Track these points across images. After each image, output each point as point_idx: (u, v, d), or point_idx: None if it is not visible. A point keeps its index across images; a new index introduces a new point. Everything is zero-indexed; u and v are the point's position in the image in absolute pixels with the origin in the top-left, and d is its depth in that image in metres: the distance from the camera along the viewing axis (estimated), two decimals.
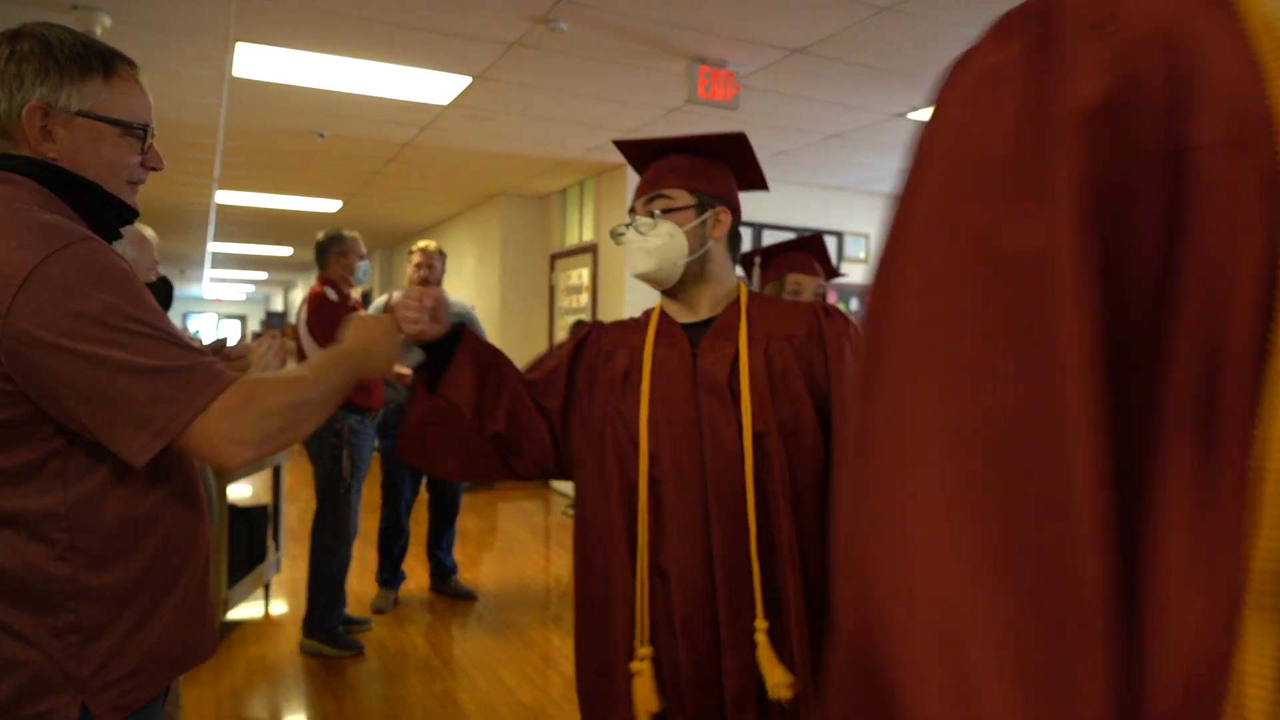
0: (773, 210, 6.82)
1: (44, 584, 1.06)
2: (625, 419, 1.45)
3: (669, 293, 1.52)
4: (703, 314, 1.50)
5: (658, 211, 1.47)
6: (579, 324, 1.70)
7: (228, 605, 3.72)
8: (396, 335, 1.41)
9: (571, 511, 6.77)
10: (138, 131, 1.20)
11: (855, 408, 0.48)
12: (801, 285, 2.73)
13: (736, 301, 1.50)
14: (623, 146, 1.57)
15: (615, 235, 1.51)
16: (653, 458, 1.41)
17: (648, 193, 1.50)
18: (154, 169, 1.25)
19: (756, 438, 1.36)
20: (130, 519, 1.12)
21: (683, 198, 1.48)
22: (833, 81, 4.40)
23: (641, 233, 1.47)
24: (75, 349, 1.00)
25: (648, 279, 1.49)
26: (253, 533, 4.05)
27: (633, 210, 1.53)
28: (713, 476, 1.37)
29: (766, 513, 1.35)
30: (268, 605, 4.37)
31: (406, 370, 4.05)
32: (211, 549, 1.29)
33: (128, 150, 1.19)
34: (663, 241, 1.45)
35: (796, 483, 1.37)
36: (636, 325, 1.56)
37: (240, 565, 3.89)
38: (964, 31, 3.69)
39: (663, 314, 1.54)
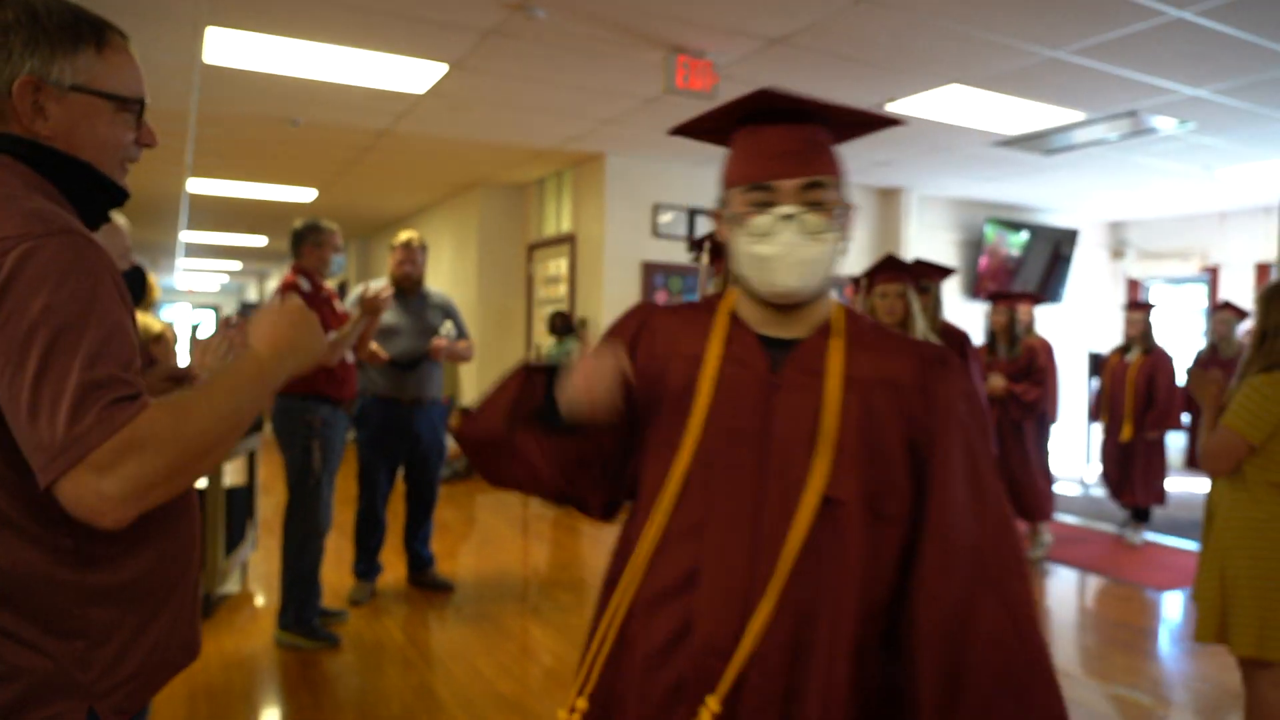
0: None
1: (49, 588, 1.01)
2: (673, 450, 1.13)
3: (770, 300, 1.13)
4: (796, 332, 1.14)
5: (832, 208, 1.11)
6: (624, 318, 1.29)
7: (225, 578, 4.00)
8: (311, 321, 1.18)
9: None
10: (133, 106, 1.12)
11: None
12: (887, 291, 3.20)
13: (828, 324, 1.15)
14: (712, 114, 1.20)
15: (755, 231, 1.09)
16: (685, 503, 1.10)
17: (801, 174, 1.10)
18: (148, 146, 1.18)
19: (827, 504, 1.05)
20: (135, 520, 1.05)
21: (834, 189, 1.13)
22: (811, 72, 4.40)
23: (809, 233, 1.08)
24: (5, 347, 0.92)
25: (789, 297, 1.11)
26: (233, 512, 4.22)
27: (767, 193, 1.09)
28: (767, 545, 1.06)
29: (826, 599, 1.05)
30: (245, 583, 4.51)
31: (384, 353, 4.03)
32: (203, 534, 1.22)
33: (123, 127, 1.12)
34: (829, 249, 1.10)
35: (875, 566, 1.07)
36: (696, 320, 1.20)
37: (225, 544, 4.15)
38: (941, 23, 3.71)
39: (735, 317, 1.18)
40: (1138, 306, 5.73)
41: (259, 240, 12.28)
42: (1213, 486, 2.48)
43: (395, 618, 4.06)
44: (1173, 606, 4.48)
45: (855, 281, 3.43)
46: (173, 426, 0.96)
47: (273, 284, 17.69)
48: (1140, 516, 5.74)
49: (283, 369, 1.12)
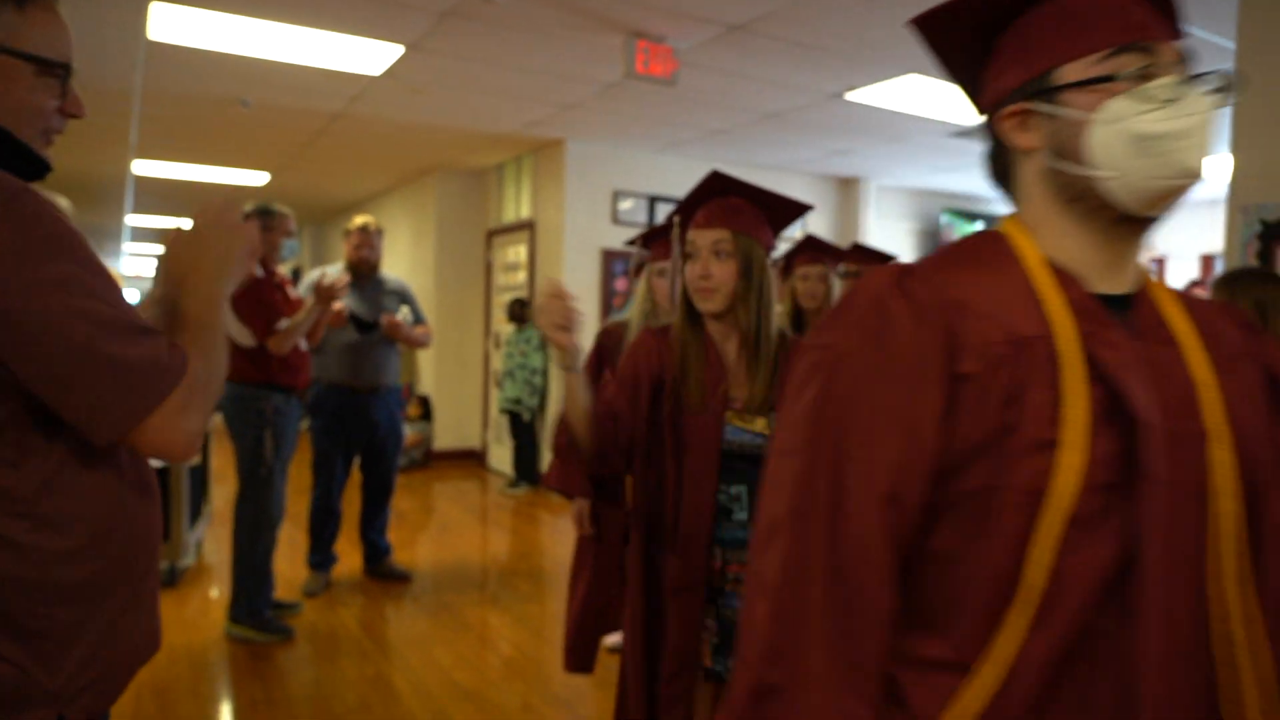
0: None
1: (12, 588, 0.96)
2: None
3: (1156, 204, 0.81)
4: (1126, 284, 0.85)
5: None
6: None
7: (189, 551, 4.34)
8: (228, 237, 1.18)
9: (510, 490, 6.74)
10: (57, 71, 1.04)
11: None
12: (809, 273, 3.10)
13: (1144, 273, 0.89)
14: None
15: (1155, 98, 0.77)
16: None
17: (1176, 37, 0.84)
18: (74, 116, 1.10)
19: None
20: (95, 513, 1.03)
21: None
22: (771, 60, 4.40)
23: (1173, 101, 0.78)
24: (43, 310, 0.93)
25: (1187, 189, 0.81)
26: (191, 489, 4.39)
27: (1145, 56, 0.79)
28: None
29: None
30: (201, 558, 4.74)
31: (341, 305, 3.93)
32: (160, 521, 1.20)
33: (45, 93, 1.04)
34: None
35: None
36: (1000, 281, 0.83)
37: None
38: (900, 13, 3.72)
39: (1060, 271, 0.84)
40: None
41: None
42: None
43: (351, 608, 4.00)
44: None
45: (776, 264, 3.27)
46: (212, 364, 1.07)
47: None
48: None
49: (209, 291, 1.13)
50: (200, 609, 3.94)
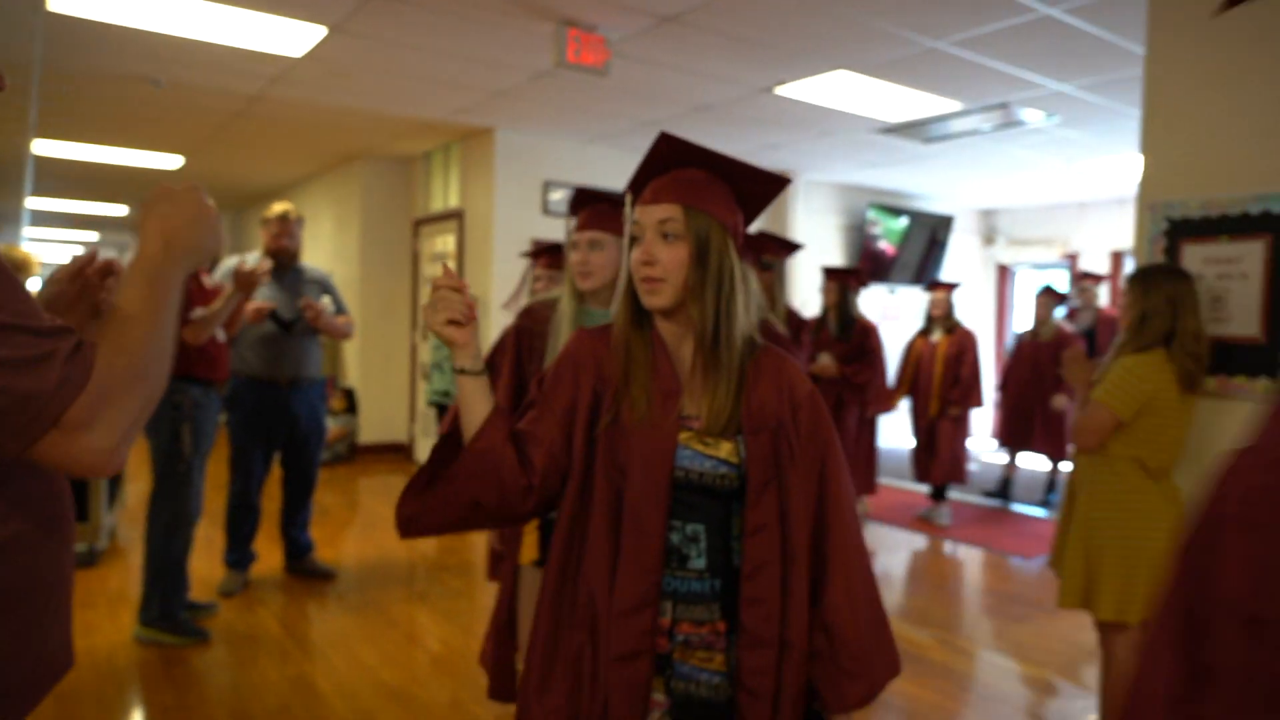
0: None
1: None
2: None
3: None
4: None
5: None
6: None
7: (105, 534, 4.53)
8: (206, 214, 1.10)
9: None
10: None
11: None
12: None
13: None
14: None
15: None
16: None
17: None
18: None
19: None
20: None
21: None
22: (702, 52, 4.40)
23: None
24: None
25: None
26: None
27: None
28: None
29: None
30: (116, 540, 4.80)
31: (267, 305, 3.81)
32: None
33: None
34: None
35: None
36: None
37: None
38: (830, 8, 3.76)
39: None
40: (939, 286, 5.86)
41: (119, 209, 11.44)
42: (1076, 464, 2.63)
43: (271, 608, 3.87)
44: (1034, 573, 4.77)
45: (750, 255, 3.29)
46: (130, 359, 0.95)
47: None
48: (939, 495, 5.79)
49: (177, 267, 1.05)
50: (107, 612, 3.76)
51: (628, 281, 1.39)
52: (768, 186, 1.41)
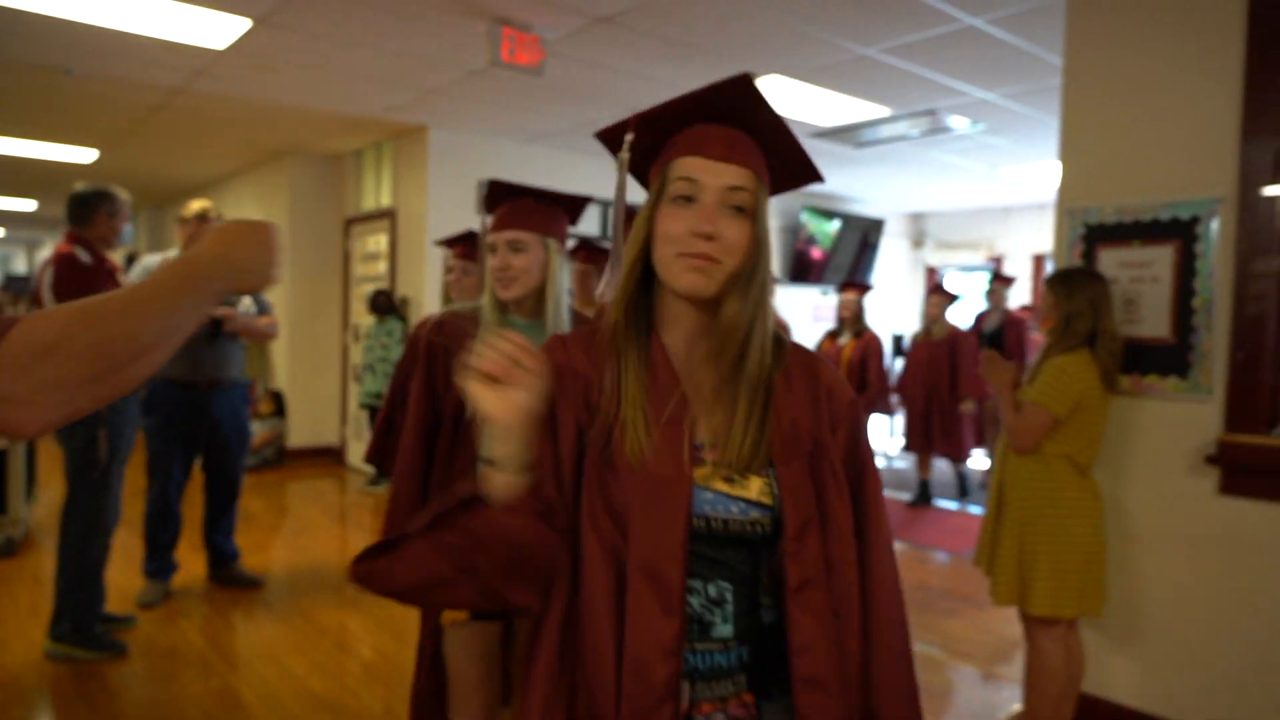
0: (580, 183, 6.79)
1: None
2: None
3: None
4: None
5: None
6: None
7: (22, 527, 4.71)
8: (269, 244, 1.03)
9: (370, 489, 6.48)
10: None
11: None
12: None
13: None
14: None
15: None
16: None
17: None
18: None
19: None
20: None
21: None
22: (638, 54, 4.40)
23: None
24: None
25: None
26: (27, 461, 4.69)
27: None
28: None
29: None
30: (31, 529, 4.94)
31: (229, 311, 3.68)
32: None
33: None
34: None
35: None
36: None
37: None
38: (765, 14, 3.80)
39: None
40: (850, 288, 5.88)
41: (27, 204, 10.90)
42: (1004, 464, 2.69)
43: (193, 619, 3.74)
44: (958, 567, 4.91)
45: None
46: (96, 318, 0.86)
47: (46, 253, 15.78)
48: None
49: (216, 276, 0.98)
50: (14, 628, 3.58)
51: (636, 257, 1.06)
52: (793, 180, 1.17)
